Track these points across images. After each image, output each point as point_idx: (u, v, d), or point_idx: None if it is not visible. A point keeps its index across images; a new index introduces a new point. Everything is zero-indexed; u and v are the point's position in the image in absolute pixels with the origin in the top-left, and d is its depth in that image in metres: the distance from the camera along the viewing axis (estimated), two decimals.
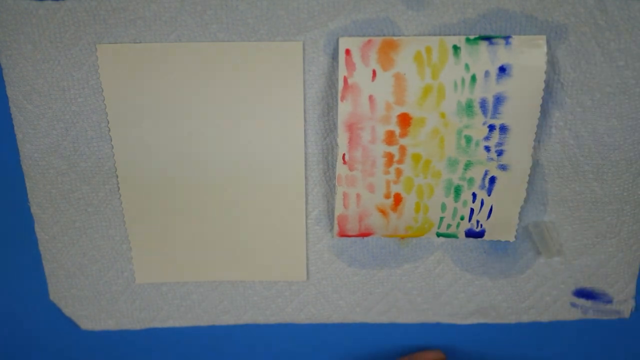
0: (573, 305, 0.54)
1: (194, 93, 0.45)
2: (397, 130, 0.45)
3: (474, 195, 0.48)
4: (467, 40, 0.43)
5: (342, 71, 0.43)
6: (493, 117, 0.44)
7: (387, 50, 0.43)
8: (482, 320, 0.55)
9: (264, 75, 0.44)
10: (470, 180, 0.47)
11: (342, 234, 0.50)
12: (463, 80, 0.43)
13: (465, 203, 0.48)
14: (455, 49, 0.43)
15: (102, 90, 0.45)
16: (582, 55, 0.44)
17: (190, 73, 0.44)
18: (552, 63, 0.44)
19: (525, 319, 0.55)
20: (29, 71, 0.44)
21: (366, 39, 0.43)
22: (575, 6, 0.42)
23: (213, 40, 0.43)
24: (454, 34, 0.43)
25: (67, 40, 0.43)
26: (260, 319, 0.55)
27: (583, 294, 0.54)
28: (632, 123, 0.46)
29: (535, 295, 0.54)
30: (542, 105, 0.45)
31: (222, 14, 0.43)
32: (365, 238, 0.51)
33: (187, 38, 0.43)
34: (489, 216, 0.49)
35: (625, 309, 0.54)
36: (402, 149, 0.46)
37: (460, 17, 0.43)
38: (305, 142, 0.47)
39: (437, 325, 0.56)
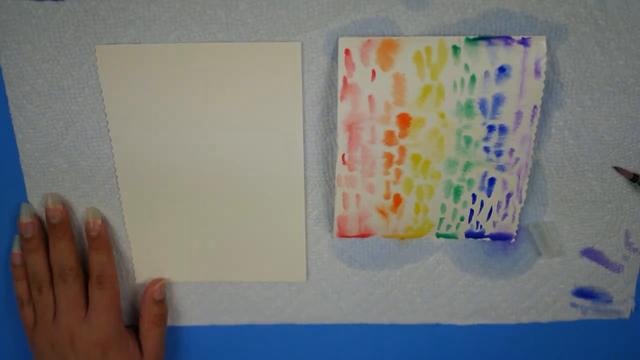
0: (573, 305, 0.54)
1: (194, 93, 0.45)
2: (397, 131, 0.45)
3: (474, 196, 0.48)
4: (467, 40, 0.42)
5: (341, 71, 0.43)
6: (492, 117, 0.44)
7: (387, 51, 0.43)
8: (482, 321, 0.55)
9: (264, 75, 0.44)
10: (470, 182, 0.47)
11: (342, 235, 0.49)
12: (462, 81, 0.43)
13: (465, 204, 0.48)
14: (455, 49, 0.43)
15: (102, 91, 0.45)
16: (582, 55, 0.44)
17: (190, 73, 0.44)
18: (552, 63, 0.44)
19: (525, 319, 0.55)
20: (28, 71, 0.44)
21: (366, 39, 0.43)
22: (575, 6, 0.42)
23: (213, 40, 0.43)
24: (454, 34, 0.43)
25: (66, 40, 0.43)
26: (260, 319, 0.55)
27: (583, 294, 0.53)
28: (632, 122, 0.46)
29: (535, 296, 0.54)
30: (542, 105, 0.45)
31: (222, 14, 0.43)
32: (365, 239, 0.51)
33: (187, 38, 0.43)
34: (488, 217, 0.49)
35: (625, 309, 0.54)
36: (402, 150, 0.46)
37: (460, 17, 0.43)
38: (304, 142, 0.47)
39: (437, 326, 0.56)
